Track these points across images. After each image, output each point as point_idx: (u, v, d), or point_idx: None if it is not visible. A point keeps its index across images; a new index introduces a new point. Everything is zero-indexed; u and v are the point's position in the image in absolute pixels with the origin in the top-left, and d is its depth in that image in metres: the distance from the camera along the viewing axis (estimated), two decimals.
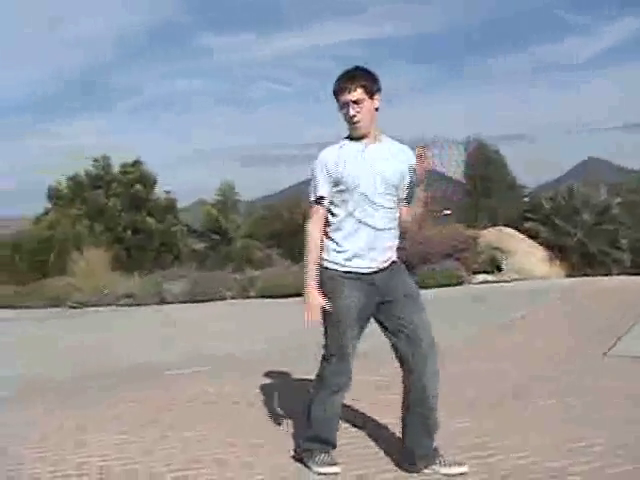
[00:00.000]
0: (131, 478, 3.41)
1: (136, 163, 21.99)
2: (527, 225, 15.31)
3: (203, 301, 13.50)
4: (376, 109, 3.18)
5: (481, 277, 13.67)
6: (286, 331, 8.14)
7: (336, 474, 3.26)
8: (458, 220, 16.61)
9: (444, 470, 3.19)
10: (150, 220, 20.84)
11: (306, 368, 4.39)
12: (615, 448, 3.42)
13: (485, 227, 15.84)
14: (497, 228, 15.55)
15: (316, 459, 3.33)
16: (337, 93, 3.17)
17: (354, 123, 3.15)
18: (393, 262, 3.27)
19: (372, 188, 3.15)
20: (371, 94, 3.13)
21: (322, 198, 3.20)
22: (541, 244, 14.85)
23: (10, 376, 6.53)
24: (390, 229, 3.24)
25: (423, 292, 3.37)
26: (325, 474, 3.27)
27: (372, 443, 3.72)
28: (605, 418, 3.99)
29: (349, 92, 3.11)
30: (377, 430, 3.93)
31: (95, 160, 21.56)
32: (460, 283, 13.17)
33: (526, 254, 14.42)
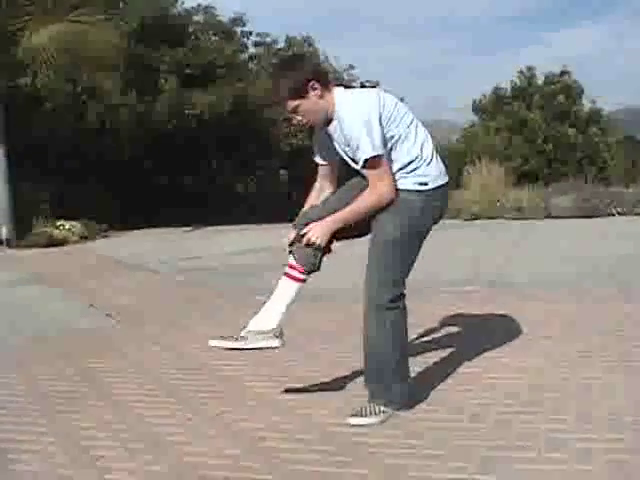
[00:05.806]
0: None
1: (563, 74, 21.33)
2: None
3: (589, 217, 12.89)
4: (319, 96, 2.84)
5: None
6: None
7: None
8: None
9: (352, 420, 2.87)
10: (572, 132, 20.16)
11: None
12: None
13: None
14: None
15: None
16: None
17: (308, 126, 2.99)
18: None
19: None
20: (302, 94, 2.83)
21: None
22: None
23: None
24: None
25: None
26: None
27: None
28: None
29: (283, 106, 2.91)
30: None
31: (520, 72, 21.56)
32: None
33: None
